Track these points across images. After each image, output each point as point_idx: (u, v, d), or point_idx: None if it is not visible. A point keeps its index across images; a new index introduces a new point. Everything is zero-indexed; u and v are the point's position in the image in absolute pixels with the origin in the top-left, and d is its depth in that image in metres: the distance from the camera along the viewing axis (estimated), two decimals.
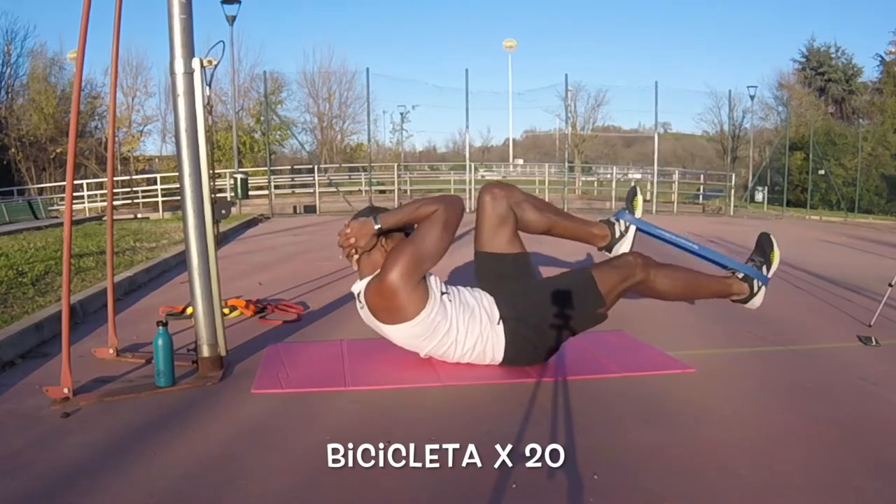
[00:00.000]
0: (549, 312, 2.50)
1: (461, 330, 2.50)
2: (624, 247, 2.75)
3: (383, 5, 61.16)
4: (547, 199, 17.15)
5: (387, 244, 2.52)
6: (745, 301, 2.74)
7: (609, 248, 2.77)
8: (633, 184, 3.40)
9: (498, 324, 2.52)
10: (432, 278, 2.53)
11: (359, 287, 2.54)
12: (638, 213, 2.82)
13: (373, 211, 2.56)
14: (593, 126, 31.03)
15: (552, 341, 2.56)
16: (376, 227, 2.46)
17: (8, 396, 2.33)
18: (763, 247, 2.80)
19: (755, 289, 2.71)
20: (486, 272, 2.67)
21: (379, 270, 2.43)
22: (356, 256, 2.53)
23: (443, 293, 2.52)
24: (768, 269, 2.74)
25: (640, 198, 2.86)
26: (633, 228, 2.76)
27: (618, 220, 2.79)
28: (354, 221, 2.52)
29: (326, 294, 4.28)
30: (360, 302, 2.55)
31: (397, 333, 2.49)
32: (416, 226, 2.50)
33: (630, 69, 58.33)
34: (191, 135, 2.48)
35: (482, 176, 19.66)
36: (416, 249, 2.39)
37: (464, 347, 2.52)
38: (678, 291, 2.65)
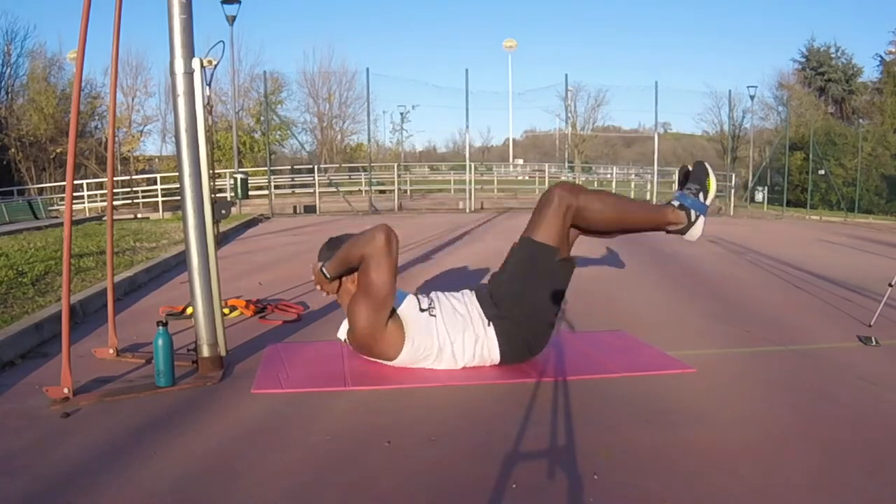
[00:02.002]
0: (522, 296, 2.52)
1: (457, 341, 2.53)
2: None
3: (383, 5, 61.26)
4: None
5: (347, 281, 2.60)
6: (683, 231, 2.61)
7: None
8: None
9: (489, 325, 2.54)
10: (407, 302, 2.55)
11: (343, 333, 2.63)
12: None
13: (332, 244, 2.62)
14: (593, 126, 31.09)
15: (541, 325, 2.57)
16: (327, 277, 2.54)
17: (8, 396, 2.33)
18: (699, 175, 2.66)
19: (692, 217, 2.58)
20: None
21: (349, 325, 2.52)
22: (327, 295, 2.66)
23: (423, 310, 2.54)
24: (706, 197, 2.61)
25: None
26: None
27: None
28: (315, 267, 2.60)
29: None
30: (348, 346, 2.65)
31: (394, 365, 2.55)
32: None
33: (630, 69, 58.50)
34: (191, 135, 2.48)
35: (481, 175, 19.63)
36: (366, 300, 2.42)
37: (465, 356, 2.55)
38: (611, 216, 2.57)
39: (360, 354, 2.62)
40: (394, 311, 2.48)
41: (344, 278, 2.60)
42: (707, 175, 2.64)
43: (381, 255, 2.37)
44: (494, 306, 2.56)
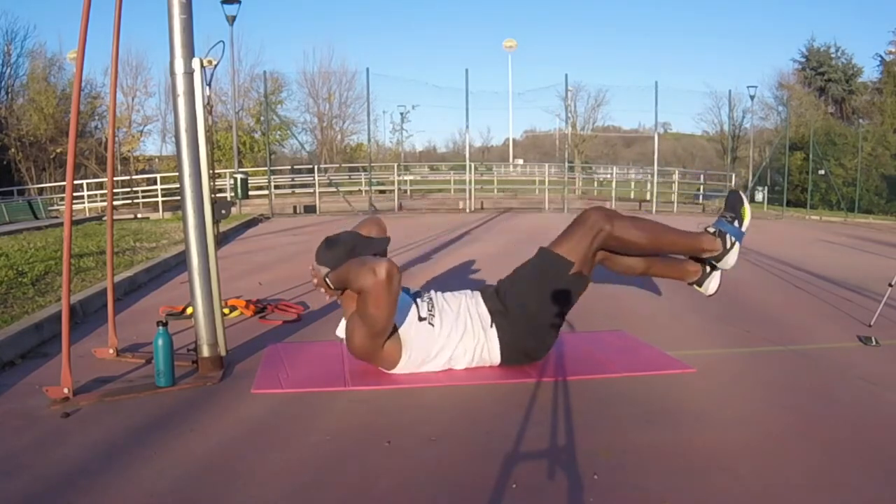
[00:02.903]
0: (528, 302, 2.52)
1: (457, 347, 2.52)
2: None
3: (383, 5, 61.28)
4: (547, 200, 17.18)
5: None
6: (719, 259, 2.66)
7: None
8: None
9: (491, 327, 2.53)
10: (406, 315, 2.48)
11: (341, 332, 2.55)
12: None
13: (330, 244, 2.50)
14: (593, 126, 31.07)
15: (543, 332, 2.57)
16: (332, 287, 2.47)
17: (8, 396, 2.33)
18: (733, 203, 2.72)
19: (728, 244, 2.64)
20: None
21: (347, 340, 2.47)
22: (329, 296, 2.54)
23: (422, 318, 2.50)
24: (741, 224, 2.68)
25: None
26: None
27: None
28: (317, 269, 2.49)
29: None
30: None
31: (391, 373, 2.52)
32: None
33: (630, 69, 58.52)
34: (191, 135, 2.48)
35: (481, 175, 19.63)
36: (362, 329, 2.38)
37: (464, 359, 2.55)
38: (645, 243, 2.58)
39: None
40: (394, 330, 2.44)
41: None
42: (742, 204, 2.71)
43: (381, 291, 2.26)
44: (502, 305, 2.55)
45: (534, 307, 2.52)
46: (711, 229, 2.69)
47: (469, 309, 2.57)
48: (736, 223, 2.69)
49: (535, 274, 2.56)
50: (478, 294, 2.64)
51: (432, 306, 2.56)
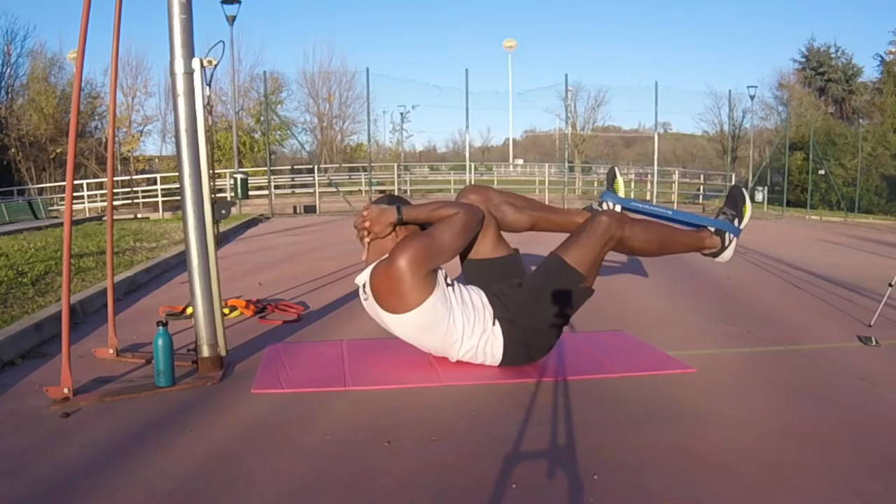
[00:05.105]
0: (533, 309, 2.51)
1: (466, 327, 2.48)
2: (728, 255, 2.85)
3: (383, 5, 61.27)
4: (547, 200, 17.19)
5: (400, 235, 2.49)
6: (717, 255, 2.80)
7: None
8: (610, 166, 3.97)
9: (495, 324, 2.52)
10: (440, 271, 2.51)
11: (363, 277, 2.49)
12: (621, 194, 2.92)
13: (394, 200, 2.55)
14: (593, 126, 31.07)
15: (545, 336, 2.56)
16: (398, 216, 2.45)
17: (8, 396, 2.33)
18: (735, 199, 2.84)
19: (726, 242, 2.78)
20: (474, 279, 2.67)
21: (388, 255, 2.39)
22: (368, 240, 2.50)
23: (448, 285, 2.51)
24: (740, 222, 2.80)
25: (620, 179, 2.97)
26: (618, 208, 2.83)
27: (601, 204, 2.88)
28: (375, 207, 2.50)
29: (326, 294, 4.28)
30: (364, 293, 2.51)
31: (400, 323, 2.44)
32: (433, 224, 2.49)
33: (630, 69, 58.58)
34: (191, 135, 2.48)
35: (481, 175, 19.65)
36: (431, 241, 2.38)
37: (469, 344, 2.51)
38: (653, 246, 2.71)
39: (374, 303, 2.45)
40: (433, 271, 2.42)
41: (395, 232, 2.48)
42: (744, 201, 2.82)
43: (473, 223, 2.46)
44: (503, 307, 2.53)
45: (537, 314, 2.51)
46: (712, 228, 2.79)
47: (482, 300, 2.55)
48: (736, 221, 2.79)
49: (544, 282, 2.54)
50: (481, 291, 2.63)
51: (452, 281, 2.57)
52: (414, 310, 2.37)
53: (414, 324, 2.43)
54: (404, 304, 2.38)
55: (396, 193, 16.91)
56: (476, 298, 2.55)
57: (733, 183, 17.96)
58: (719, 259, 2.83)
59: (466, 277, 2.71)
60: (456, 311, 2.46)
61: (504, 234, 2.74)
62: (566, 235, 2.65)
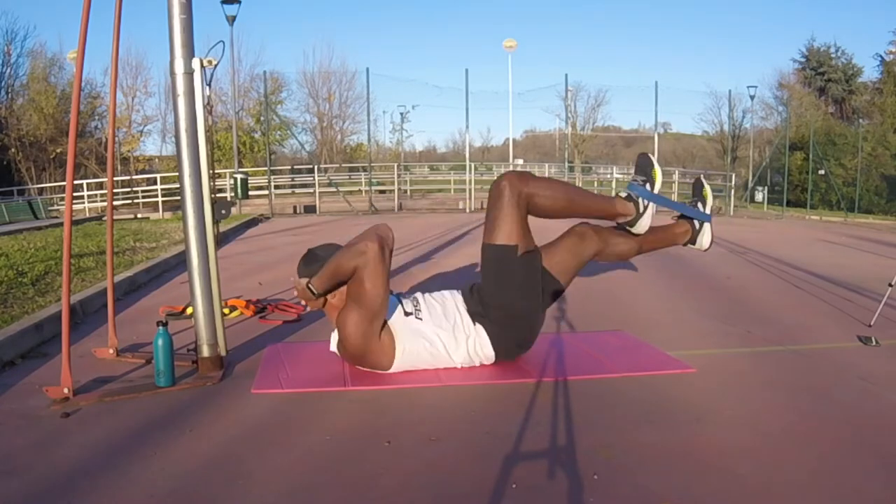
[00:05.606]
0: (497, 299, 2.51)
1: (449, 342, 2.51)
2: (705, 241, 2.86)
3: (383, 5, 61.30)
4: None
5: (336, 295, 2.50)
6: (633, 223, 2.65)
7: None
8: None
9: (475, 324, 2.54)
10: (397, 312, 2.51)
11: (333, 347, 2.56)
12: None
13: (309, 261, 2.53)
14: (593, 126, 31.09)
15: (524, 320, 2.56)
16: (314, 293, 2.44)
17: (8, 396, 2.33)
18: (643, 167, 2.72)
19: (641, 208, 2.63)
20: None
21: (339, 333, 2.42)
22: (311, 309, 2.56)
23: (408, 314, 2.51)
24: (652, 187, 2.68)
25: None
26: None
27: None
28: (299, 282, 2.49)
29: None
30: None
31: (393, 370, 2.50)
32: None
33: (630, 69, 58.60)
34: (191, 135, 2.48)
35: (481, 175, 19.63)
36: (360, 311, 2.34)
37: (459, 354, 2.54)
38: (561, 204, 2.56)
39: (353, 365, 2.57)
40: (385, 322, 2.44)
41: (329, 294, 2.50)
42: (652, 166, 2.71)
43: (376, 264, 2.29)
44: (480, 306, 2.55)
45: (507, 303, 2.51)
46: (623, 194, 2.68)
47: (456, 305, 2.57)
48: (648, 186, 2.67)
49: (491, 273, 2.55)
50: (458, 294, 2.65)
51: (417, 303, 2.57)
52: (394, 362, 2.48)
53: (403, 366, 2.51)
54: (381, 364, 2.49)
55: (397, 191, 16.95)
56: (450, 304, 2.57)
57: (731, 185, 18.00)
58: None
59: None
60: (430, 335, 2.49)
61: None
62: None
